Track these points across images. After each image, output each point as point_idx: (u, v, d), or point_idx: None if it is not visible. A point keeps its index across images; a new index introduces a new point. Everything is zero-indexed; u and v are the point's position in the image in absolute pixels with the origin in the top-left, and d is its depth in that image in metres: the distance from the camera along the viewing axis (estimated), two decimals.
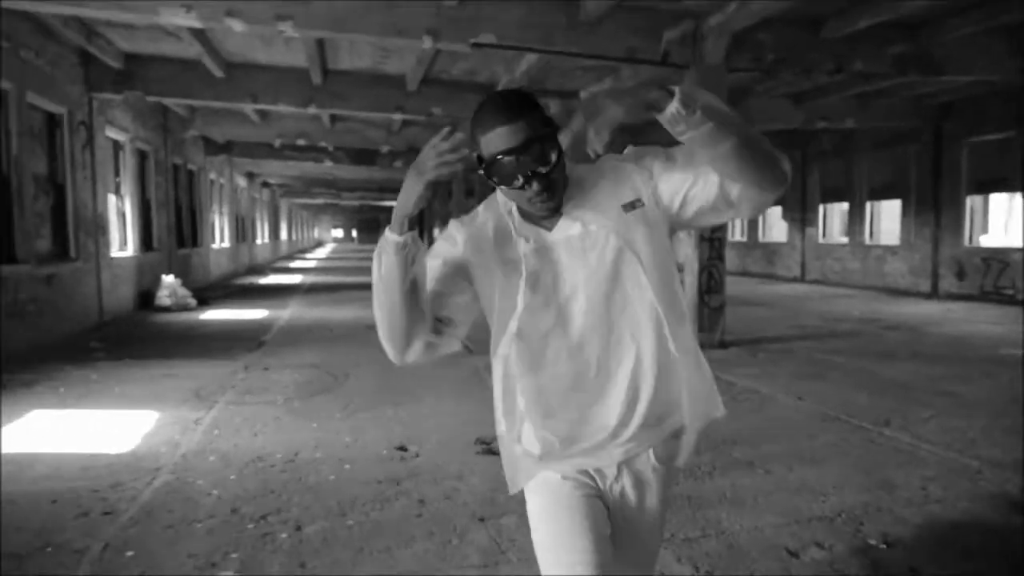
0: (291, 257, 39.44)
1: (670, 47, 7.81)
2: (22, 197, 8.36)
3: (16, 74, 8.18)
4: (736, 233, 22.55)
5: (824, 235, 18.48)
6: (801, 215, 18.71)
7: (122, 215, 12.72)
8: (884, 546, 3.06)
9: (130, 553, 3.06)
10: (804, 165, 18.41)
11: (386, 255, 1.44)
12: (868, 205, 16.87)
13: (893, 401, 5.66)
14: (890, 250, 16.06)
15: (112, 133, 11.70)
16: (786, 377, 6.62)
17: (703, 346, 6.31)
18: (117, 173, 12.37)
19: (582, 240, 1.49)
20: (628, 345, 1.50)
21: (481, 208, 1.63)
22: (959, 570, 2.89)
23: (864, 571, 2.87)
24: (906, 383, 6.32)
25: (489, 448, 4.34)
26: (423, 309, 1.50)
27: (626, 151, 1.59)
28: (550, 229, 1.52)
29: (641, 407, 1.51)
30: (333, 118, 14.54)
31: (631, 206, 1.50)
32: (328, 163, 19.92)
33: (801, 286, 17.31)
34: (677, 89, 1.27)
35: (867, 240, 16.88)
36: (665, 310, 1.49)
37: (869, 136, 16.11)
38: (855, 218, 17.04)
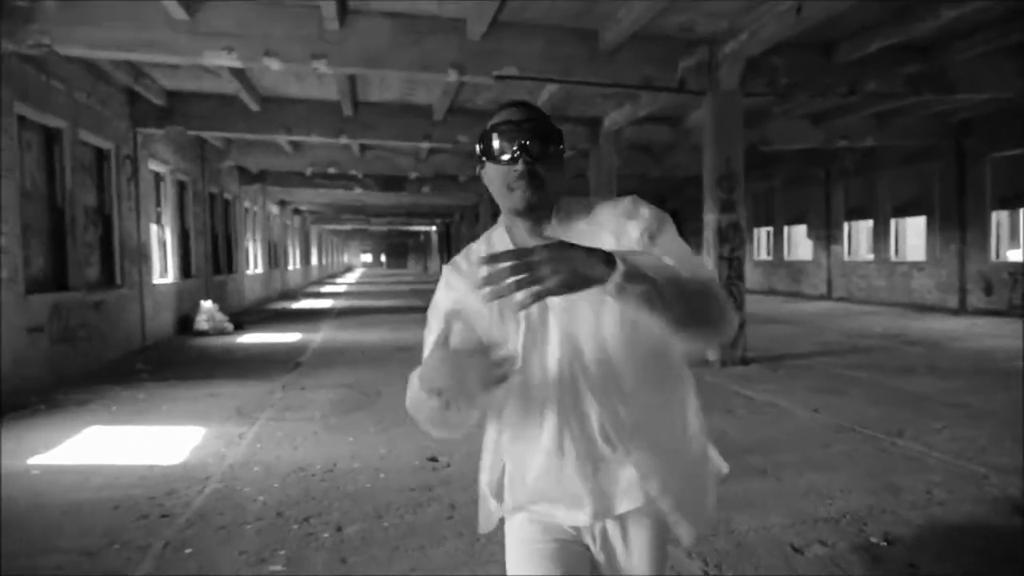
0: (321, 282, 40.17)
1: (686, 74, 8.10)
2: (75, 228, 8.87)
3: (70, 113, 8.73)
4: (762, 252, 22.61)
5: (850, 252, 18.50)
6: (826, 233, 18.75)
7: (163, 243, 13.29)
8: (885, 544, 3.27)
9: (188, 550, 3.37)
10: (828, 183, 18.51)
11: (425, 407, 1.37)
12: (893, 222, 16.89)
13: (907, 413, 5.81)
14: (916, 266, 16.06)
15: (154, 165, 12.28)
16: (804, 391, 6.79)
17: (724, 363, 6.55)
18: (158, 203, 12.93)
19: None
20: (589, 402, 1.43)
21: (474, 244, 1.58)
22: (958, 566, 3.08)
23: (864, 567, 3.07)
24: (922, 395, 6.46)
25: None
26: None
27: (625, 205, 1.47)
28: None
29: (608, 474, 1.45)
30: (363, 147, 15.05)
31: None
32: (358, 190, 20.46)
33: (827, 304, 17.33)
34: (620, 263, 1.16)
35: (893, 257, 16.88)
36: (630, 373, 1.42)
37: (892, 153, 16.19)
38: (880, 235, 17.07)
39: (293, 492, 4.19)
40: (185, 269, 14.16)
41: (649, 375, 1.44)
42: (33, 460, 4.95)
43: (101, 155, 10.15)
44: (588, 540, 1.51)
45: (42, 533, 3.61)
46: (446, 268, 1.57)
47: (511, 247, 1.44)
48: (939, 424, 5.42)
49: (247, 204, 20.53)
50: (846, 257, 18.42)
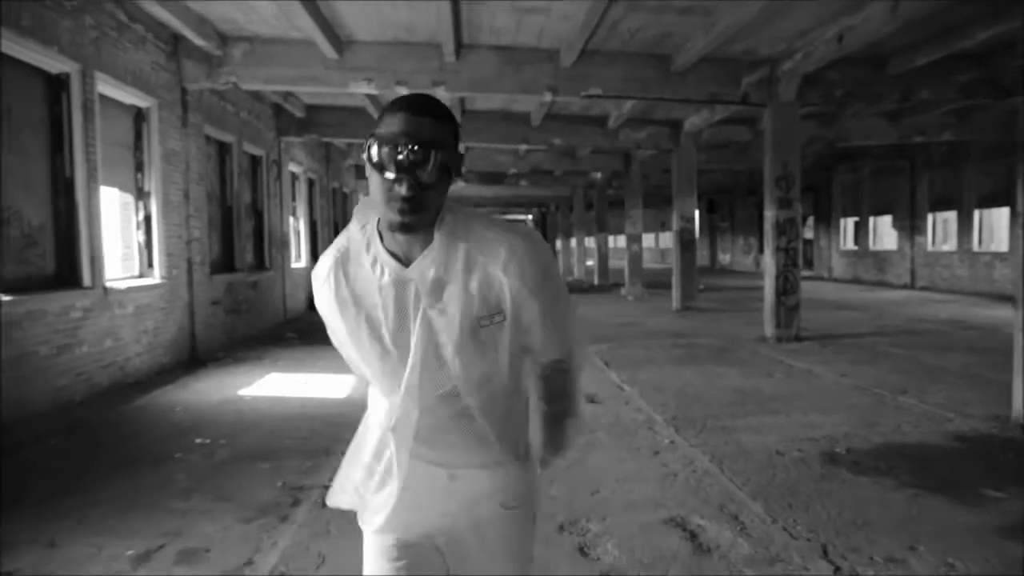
0: None
1: (749, 89, 9.32)
2: (240, 222, 10.99)
3: (237, 129, 10.82)
4: (848, 242, 23.02)
5: (933, 243, 18.86)
6: (911, 223, 19.16)
7: (297, 233, 15.49)
8: (844, 452, 4.62)
9: None
10: (913, 175, 18.91)
11: None
12: (977, 213, 17.22)
13: (921, 379, 6.95)
14: (999, 256, 16.38)
15: (292, 167, 14.43)
16: (842, 363, 7.97)
17: (779, 340, 8.01)
18: (293, 199, 15.12)
19: (433, 290, 1.41)
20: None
21: (334, 244, 1.51)
22: (889, 464, 4.38)
23: (821, 463, 4.42)
24: (944, 368, 7.53)
25: None
26: None
27: (506, 253, 1.42)
28: (406, 266, 1.42)
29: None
30: (467, 148, 16.81)
31: (488, 319, 1.42)
32: (461, 184, 22.34)
33: (908, 293, 17.84)
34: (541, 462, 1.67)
35: (976, 247, 17.22)
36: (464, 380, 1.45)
37: (977, 146, 16.53)
38: (964, 226, 17.42)
39: None
40: (314, 255, 16.35)
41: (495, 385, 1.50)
42: (241, 392, 6.88)
43: (255, 161, 12.27)
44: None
45: (272, 430, 5.43)
46: (332, 261, 1.48)
47: (390, 252, 1.43)
48: (940, 387, 6.56)
49: (361, 196, 22.77)
50: (930, 247, 18.79)
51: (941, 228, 18.99)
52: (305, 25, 7.75)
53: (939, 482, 4.03)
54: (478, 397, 1.48)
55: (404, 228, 1.36)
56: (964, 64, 9.59)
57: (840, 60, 9.03)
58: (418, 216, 1.35)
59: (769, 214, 9.49)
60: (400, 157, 1.30)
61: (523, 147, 14.51)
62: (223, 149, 10.70)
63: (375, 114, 12.61)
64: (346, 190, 20.09)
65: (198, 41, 8.22)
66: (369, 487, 1.58)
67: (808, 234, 24.32)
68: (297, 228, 15.44)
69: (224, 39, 8.63)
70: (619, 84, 9.16)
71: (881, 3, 7.00)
